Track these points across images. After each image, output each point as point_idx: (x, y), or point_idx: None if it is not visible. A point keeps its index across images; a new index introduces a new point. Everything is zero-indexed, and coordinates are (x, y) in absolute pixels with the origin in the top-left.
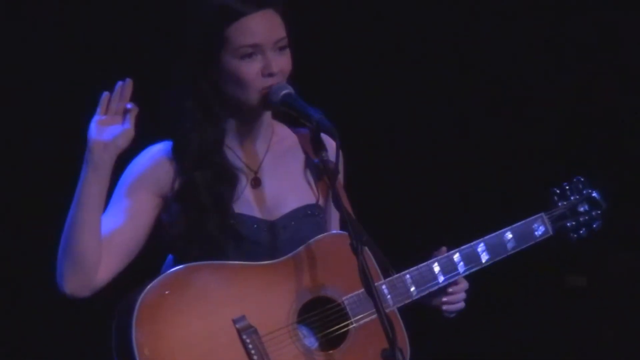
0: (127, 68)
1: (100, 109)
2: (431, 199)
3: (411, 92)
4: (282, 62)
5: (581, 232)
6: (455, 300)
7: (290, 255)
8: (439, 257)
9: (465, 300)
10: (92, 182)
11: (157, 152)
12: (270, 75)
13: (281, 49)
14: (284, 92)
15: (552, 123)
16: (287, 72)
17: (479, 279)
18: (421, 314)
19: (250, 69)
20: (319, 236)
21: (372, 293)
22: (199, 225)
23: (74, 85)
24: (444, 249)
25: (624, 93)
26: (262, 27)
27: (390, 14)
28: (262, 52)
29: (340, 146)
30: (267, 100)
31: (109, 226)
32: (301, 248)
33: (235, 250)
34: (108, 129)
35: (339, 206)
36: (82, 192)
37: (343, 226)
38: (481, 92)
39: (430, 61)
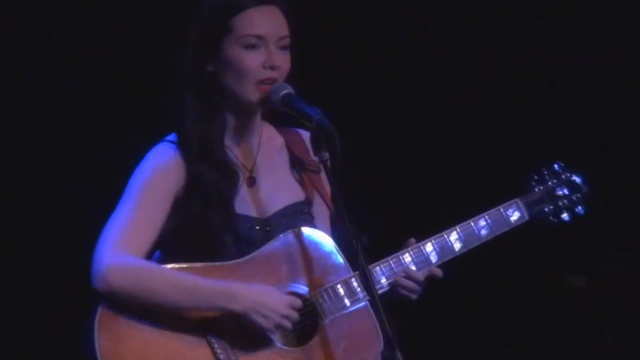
0: (128, 66)
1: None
2: (404, 186)
3: (387, 87)
4: (283, 60)
5: (563, 216)
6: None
7: (257, 252)
8: (411, 247)
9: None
10: (218, 307)
11: (167, 151)
12: (272, 68)
13: (283, 47)
14: (284, 91)
15: (551, 120)
16: (286, 70)
17: (479, 278)
18: (421, 315)
19: (253, 60)
20: (287, 232)
21: (372, 293)
22: (201, 221)
23: (70, 81)
24: (412, 240)
25: (622, 93)
26: (268, 21)
27: (389, 13)
28: (265, 45)
29: (340, 146)
30: (267, 100)
31: (138, 234)
32: (269, 245)
33: (233, 247)
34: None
35: (339, 207)
36: (204, 303)
37: (335, 223)
38: (462, 79)
39: (411, 56)
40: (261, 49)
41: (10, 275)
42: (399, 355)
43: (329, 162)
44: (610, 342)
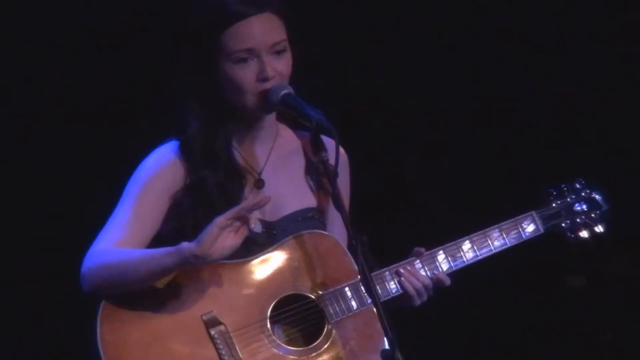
0: (130, 69)
1: (231, 215)
2: (423, 196)
3: (403, 91)
4: (280, 66)
5: (581, 233)
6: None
7: (264, 252)
8: (424, 255)
9: (424, 293)
10: (174, 270)
11: (166, 153)
12: (265, 80)
13: (279, 52)
14: (283, 92)
15: (548, 122)
16: (286, 74)
17: (479, 278)
18: (421, 315)
19: (245, 74)
20: (295, 234)
21: (371, 292)
22: (207, 223)
23: (73, 90)
24: (422, 249)
25: (623, 91)
26: (257, 32)
27: (388, 12)
28: (257, 56)
29: (339, 146)
30: (266, 100)
31: (127, 232)
32: (276, 245)
33: (238, 249)
34: (222, 244)
35: (338, 206)
36: (160, 272)
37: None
38: (477, 91)
39: (422, 60)
40: (253, 60)
41: (11, 276)
42: (399, 355)
43: (328, 163)
44: (610, 342)
